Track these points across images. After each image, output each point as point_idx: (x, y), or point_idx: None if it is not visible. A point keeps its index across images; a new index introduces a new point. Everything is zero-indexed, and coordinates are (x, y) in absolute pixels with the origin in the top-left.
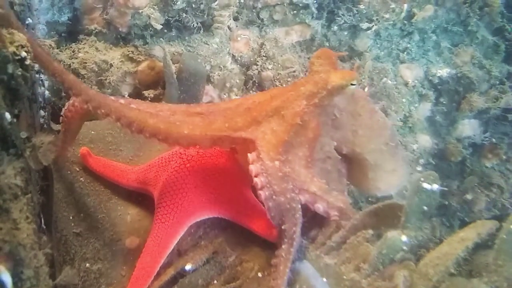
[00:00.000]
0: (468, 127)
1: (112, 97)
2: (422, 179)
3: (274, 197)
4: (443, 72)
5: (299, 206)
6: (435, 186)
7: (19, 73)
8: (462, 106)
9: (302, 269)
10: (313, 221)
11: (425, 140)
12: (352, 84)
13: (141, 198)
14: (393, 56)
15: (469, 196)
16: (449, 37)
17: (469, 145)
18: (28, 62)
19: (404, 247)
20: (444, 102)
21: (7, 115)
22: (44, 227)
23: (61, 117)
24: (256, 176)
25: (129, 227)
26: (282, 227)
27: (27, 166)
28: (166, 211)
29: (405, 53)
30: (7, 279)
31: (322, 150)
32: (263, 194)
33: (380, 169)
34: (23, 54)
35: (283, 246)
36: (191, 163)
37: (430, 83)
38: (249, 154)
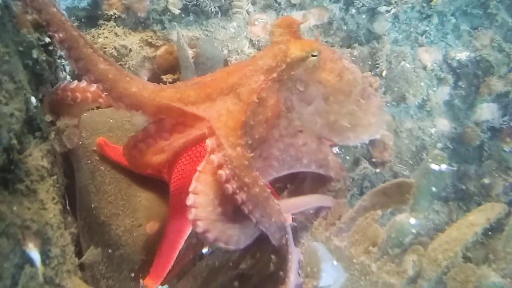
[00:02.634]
0: (487, 111)
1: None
2: (429, 160)
3: (245, 188)
4: (462, 55)
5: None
6: (444, 166)
7: (44, 58)
8: (481, 90)
9: (314, 251)
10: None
11: (443, 124)
12: (313, 55)
13: (160, 183)
14: (412, 39)
15: (486, 180)
16: (468, 20)
17: (488, 129)
18: (51, 47)
19: (413, 230)
20: (462, 86)
21: (33, 99)
22: (68, 208)
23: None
24: (219, 168)
25: (148, 213)
26: (263, 220)
27: (52, 149)
28: (180, 197)
29: (424, 36)
30: (36, 256)
31: (291, 126)
32: (230, 187)
33: (357, 125)
34: (47, 39)
35: (276, 237)
36: (204, 149)
37: (448, 67)
38: (207, 141)
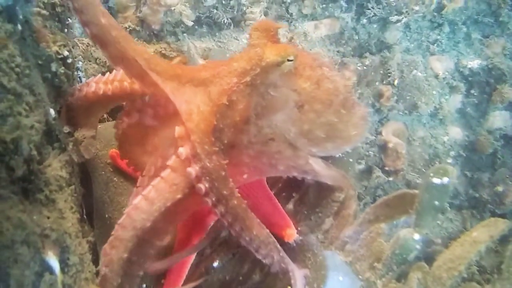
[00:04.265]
0: (499, 119)
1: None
2: (431, 174)
3: (224, 201)
4: (474, 63)
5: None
6: (446, 180)
7: (62, 71)
8: (493, 98)
9: (331, 261)
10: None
11: (456, 132)
12: (289, 60)
13: None
14: (423, 48)
15: (500, 188)
16: (480, 28)
17: (501, 136)
18: (70, 60)
19: (417, 246)
20: (475, 94)
21: (52, 111)
22: (85, 217)
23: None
24: (199, 182)
25: None
26: (245, 235)
27: (70, 159)
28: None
29: (435, 45)
30: (55, 264)
31: (261, 133)
32: (209, 201)
33: (337, 137)
34: (65, 53)
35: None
36: None
37: (460, 75)
38: (181, 149)
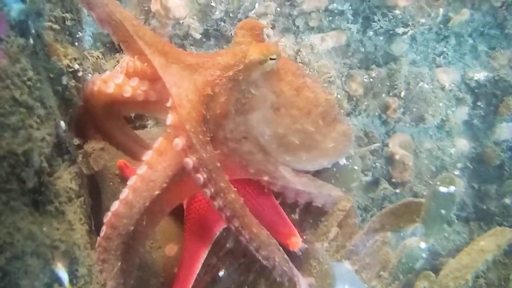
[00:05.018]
0: (506, 131)
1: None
2: (438, 182)
3: (222, 194)
4: (480, 75)
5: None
6: (452, 188)
7: (73, 84)
8: (500, 110)
9: (337, 269)
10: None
11: (463, 144)
12: (271, 59)
13: (178, 206)
14: (430, 60)
15: (507, 200)
16: (486, 40)
17: (508, 148)
18: (80, 74)
19: (424, 254)
20: (481, 106)
21: (62, 124)
22: (94, 228)
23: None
24: (197, 172)
25: (167, 235)
26: (244, 232)
27: (80, 171)
28: (195, 221)
29: (442, 57)
30: (64, 276)
31: (237, 130)
32: (208, 192)
33: (312, 147)
34: (76, 66)
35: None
36: None
37: (467, 87)
38: (177, 140)
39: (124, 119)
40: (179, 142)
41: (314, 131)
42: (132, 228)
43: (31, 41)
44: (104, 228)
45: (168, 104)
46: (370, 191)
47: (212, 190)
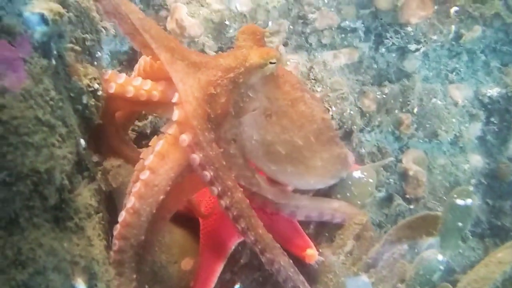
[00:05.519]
0: None
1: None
2: (455, 195)
3: (229, 193)
4: (493, 91)
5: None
6: (469, 201)
7: (92, 103)
8: None
9: (353, 282)
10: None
11: (477, 160)
12: (271, 63)
13: (193, 220)
14: (442, 76)
15: None
16: (498, 56)
17: None
18: (100, 93)
19: (441, 267)
20: (495, 122)
21: (82, 141)
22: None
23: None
24: (203, 169)
25: (183, 249)
26: (249, 233)
27: (99, 188)
28: (210, 235)
29: (454, 73)
30: None
31: (230, 131)
32: (215, 189)
33: (299, 162)
34: (96, 86)
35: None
36: None
37: (480, 103)
38: (184, 136)
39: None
40: (186, 138)
41: (302, 145)
42: (143, 237)
43: (53, 62)
44: (115, 241)
45: (174, 99)
46: (384, 207)
47: (220, 188)
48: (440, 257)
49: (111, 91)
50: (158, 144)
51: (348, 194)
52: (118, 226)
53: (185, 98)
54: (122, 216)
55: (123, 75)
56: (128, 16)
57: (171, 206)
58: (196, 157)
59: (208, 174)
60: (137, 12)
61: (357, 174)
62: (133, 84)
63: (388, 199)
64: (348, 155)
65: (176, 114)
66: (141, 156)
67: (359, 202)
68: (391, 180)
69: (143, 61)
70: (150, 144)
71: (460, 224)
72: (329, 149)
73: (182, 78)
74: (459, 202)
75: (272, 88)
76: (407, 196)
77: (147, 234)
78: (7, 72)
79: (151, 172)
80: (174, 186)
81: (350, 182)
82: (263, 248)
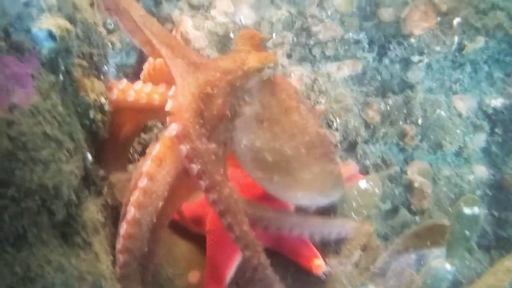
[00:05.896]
0: None
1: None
2: (462, 203)
3: (217, 188)
4: (497, 102)
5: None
6: (476, 210)
7: (99, 117)
8: None
9: None
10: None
11: (481, 171)
12: (269, 67)
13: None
14: (446, 87)
15: None
16: (501, 67)
17: None
18: (106, 107)
19: (449, 276)
20: (499, 133)
21: (89, 156)
22: None
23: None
24: (190, 162)
25: (190, 262)
26: (235, 229)
27: (105, 203)
28: (217, 248)
29: (458, 84)
30: None
31: (223, 134)
32: (203, 184)
33: (286, 173)
34: (103, 100)
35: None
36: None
37: (484, 114)
38: (173, 125)
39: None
40: (175, 127)
41: (292, 156)
42: (146, 248)
43: (61, 77)
44: (119, 255)
45: (170, 93)
46: (389, 219)
47: (207, 182)
48: (448, 266)
49: (114, 97)
50: (154, 148)
51: (354, 204)
52: (120, 239)
53: (181, 92)
54: (123, 228)
55: (124, 81)
56: (129, 13)
57: (169, 212)
58: (184, 148)
59: (195, 167)
60: (138, 9)
61: (362, 184)
62: (133, 88)
63: (394, 210)
64: (341, 173)
65: (169, 104)
66: (139, 164)
67: (365, 212)
68: (396, 191)
69: (148, 64)
70: (147, 151)
71: (467, 232)
72: (320, 164)
73: (182, 74)
74: (466, 210)
75: (267, 94)
76: (413, 207)
77: (149, 244)
78: (16, 88)
79: (148, 178)
80: (171, 191)
81: (356, 192)
82: (245, 245)
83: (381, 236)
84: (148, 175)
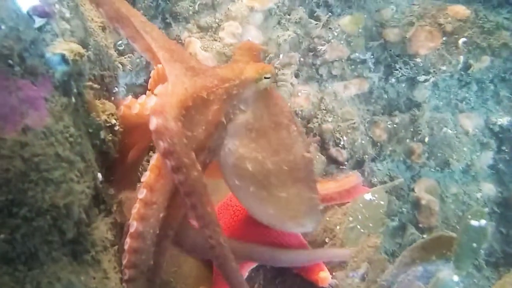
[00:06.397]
0: None
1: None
2: (469, 216)
3: (184, 170)
4: (504, 120)
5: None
6: (483, 222)
7: (110, 138)
8: None
9: None
10: None
11: (489, 189)
12: (266, 78)
13: None
14: (452, 106)
15: None
16: (507, 86)
17: None
18: (117, 128)
19: None
20: (506, 150)
21: (99, 175)
22: None
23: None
24: (159, 138)
25: (199, 279)
26: (198, 208)
27: (115, 221)
28: None
29: (464, 102)
30: None
31: (216, 141)
32: (169, 163)
33: (262, 187)
34: (113, 121)
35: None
36: (240, 215)
37: (491, 132)
38: (153, 119)
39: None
40: (155, 121)
41: (272, 171)
42: (152, 262)
43: (73, 99)
44: (125, 270)
45: (157, 90)
46: (397, 237)
47: (173, 163)
48: (455, 278)
49: (120, 113)
50: (152, 158)
51: (360, 217)
52: (126, 254)
53: (173, 85)
54: (128, 243)
55: (129, 97)
56: (129, 19)
57: (172, 222)
58: (154, 121)
59: (162, 144)
60: (139, 15)
61: (367, 196)
62: (138, 102)
63: (401, 228)
64: (318, 204)
65: (153, 101)
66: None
67: (371, 225)
68: (403, 209)
69: (154, 70)
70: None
71: (474, 245)
72: (299, 188)
73: (178, 75)
74: (474, 222)
75: (261, 105)
76: (420, 225)
77: (155, 257)
78: (30, 111)
79: (148, 190)
80: (172, 201)
81: (361, 205)
82: (206, 224)
83: (389, 253)
84: (147, 186)
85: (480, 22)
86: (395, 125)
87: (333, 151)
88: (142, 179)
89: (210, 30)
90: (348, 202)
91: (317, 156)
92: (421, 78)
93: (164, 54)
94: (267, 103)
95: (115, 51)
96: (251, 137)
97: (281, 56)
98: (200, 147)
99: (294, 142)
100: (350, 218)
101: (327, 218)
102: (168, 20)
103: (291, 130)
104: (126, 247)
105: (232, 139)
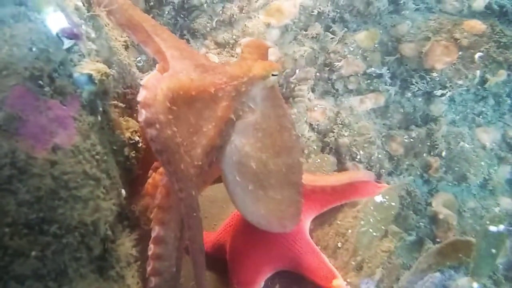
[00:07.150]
0: None
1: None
2: (487, 221)
3: (157, 126)
4: None
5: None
6: (502, 227)
7: (133, 155)
8: None
9: None
10: None
11: (507, 203)
12: (273, 75)
13: (221, 262)
14: (469, 120)
15: None
16: None
17: None
18: (140, 145)
19: None
20: None
21: (123, 192)
22: None
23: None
24: (142, 107)
25: None
26: (171, 164)
27: (139, 238)
28: (236, 274)
29: (481, 117)
30: None
31: (224, 139)
32: (154, 146)
33: (261, 186)
34: (136, 138)
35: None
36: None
37: (508, 146)
38: (143, 111)
39: None
40: (144, 113)
41: (273, 172)
42: (174, 269)
43: (99, 118)
44: (151, 278)
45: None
46: (414, 251)
47: (158, 147)
48: (475, 284)
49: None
50: None
51: (371, 220)
52: (150, 261)
53: (171, 72)
54: (151, 249)
55: None
56: (141, 25)
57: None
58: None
59: (144, 112)
60: (150, 20)
61: (378, 198)
62: None
63: (419, 242)
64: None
65: (142, 94)
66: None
67: (383, 227)
68: (421, 223)
69: (158, 65)
70: None
71: (493, 250)
72: (291, 191)
73: (185, 69)
74: (492, 228)
75: (269, 105)
76: (438, 240)
77: (176, 263)
78: (59, 130)
79: (163, 194)
80: None
81: (372, 208)
82: (178, 178)
83: (407, 268)
84: (163, 190)
85: (497, 36)
86: (411, 139)
87: (349, 165)
88: (159, 183)
89: (227, 46)
90: (359, 205)
91: (325, 158)
92: (438, 92)
93: (173, 52)
94: (274, 104)
95: (137, 69)
96: (257, 136)
97: (297, 71)
98: (211, 144)
99: (294, 146)
100: (362, 222)
101: (338, 222)
102: (186, 37)
103: (292, 133)
104: (149, 253)
105: (239, 137)
